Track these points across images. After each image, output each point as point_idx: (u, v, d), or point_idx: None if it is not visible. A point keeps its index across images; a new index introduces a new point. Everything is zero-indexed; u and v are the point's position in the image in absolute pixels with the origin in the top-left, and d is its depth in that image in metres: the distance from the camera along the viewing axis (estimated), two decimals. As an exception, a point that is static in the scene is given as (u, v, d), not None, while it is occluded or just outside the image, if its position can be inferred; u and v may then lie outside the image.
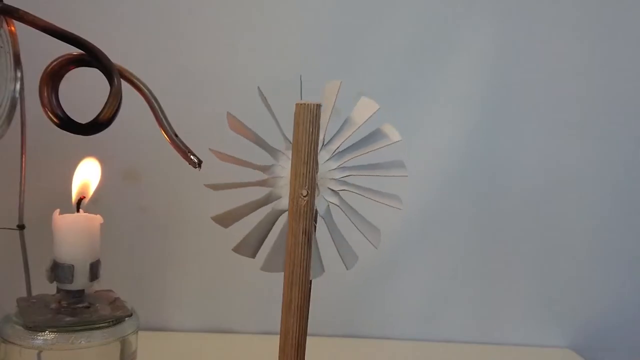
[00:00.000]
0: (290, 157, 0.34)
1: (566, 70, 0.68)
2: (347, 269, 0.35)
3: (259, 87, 0.35)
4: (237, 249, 0.37)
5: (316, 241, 0.35)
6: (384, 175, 0.35)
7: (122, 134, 0.56)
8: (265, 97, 0.35)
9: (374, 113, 0.34)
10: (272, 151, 0.36)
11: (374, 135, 0.35)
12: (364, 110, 0.34)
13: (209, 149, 0.35)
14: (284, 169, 0.35)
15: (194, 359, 0.63)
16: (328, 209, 0.35)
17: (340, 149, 0.35)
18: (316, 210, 0.35)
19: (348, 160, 0.35)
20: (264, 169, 0.36)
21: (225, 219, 0.36)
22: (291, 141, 0.34)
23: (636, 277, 0.73)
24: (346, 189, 0.35)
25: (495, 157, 0.69)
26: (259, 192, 0.36)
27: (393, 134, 0.34)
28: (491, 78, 0.67)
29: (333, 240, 0.35)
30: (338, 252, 0.35)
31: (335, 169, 0.35)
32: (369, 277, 0.69)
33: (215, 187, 0.35)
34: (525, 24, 0.66)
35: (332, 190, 0.35)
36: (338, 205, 0.35)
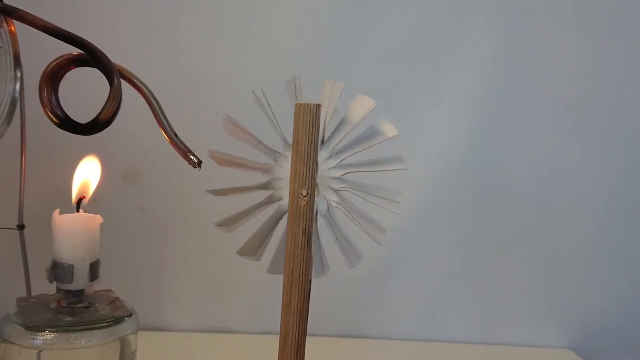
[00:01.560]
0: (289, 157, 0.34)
1: (567, 70, 0.68)
2: (350, 268, 0.35)
3: (253, 91, 0.35)
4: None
5: (319, 240, 0.35)
6: (383, 170, 0.34)
7: (123, 134, 0.56)
8: (265, 99, 0.34)
9: (371, 110, 0.34)
10: (272, 153, 0.35)
11: (371, 133, 0.34)
12: (361, 107, 0.34)
13: (209, 150, 0.35)
14: (284, 169, 0.35)
15: (193, 359, 0.63)
16: (329, 208, 0.35)
17: (338, 148, 0.34)
18: (317, 210, 0.34)
19: (346, 158, 0.34)
20: (265, 168, 0.36)
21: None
22: (289, 142, 0.34)
23: (636, 277, 0.73)
24: (346, 187, 0.34)
25: (495, 158, 0.69)
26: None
27: (390, 129, 0.34)
28: (492, 78, 0.67)
29: (345, 235, 0.35)
30: (342, 251, 0.35)
31: (334, 167, 0.34)
32: (369, 277, 0.69)
33: (217, 192, 0.35)
34: (526, 24, 0.66)
35: (333, 189, 0.35)
36: (340, 204, 0.34)
